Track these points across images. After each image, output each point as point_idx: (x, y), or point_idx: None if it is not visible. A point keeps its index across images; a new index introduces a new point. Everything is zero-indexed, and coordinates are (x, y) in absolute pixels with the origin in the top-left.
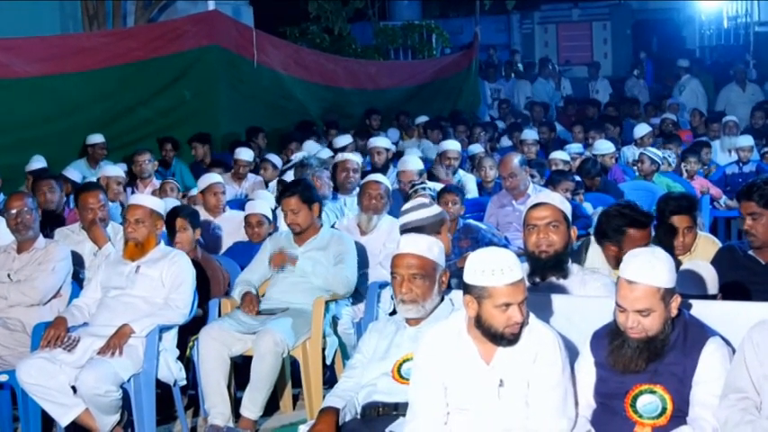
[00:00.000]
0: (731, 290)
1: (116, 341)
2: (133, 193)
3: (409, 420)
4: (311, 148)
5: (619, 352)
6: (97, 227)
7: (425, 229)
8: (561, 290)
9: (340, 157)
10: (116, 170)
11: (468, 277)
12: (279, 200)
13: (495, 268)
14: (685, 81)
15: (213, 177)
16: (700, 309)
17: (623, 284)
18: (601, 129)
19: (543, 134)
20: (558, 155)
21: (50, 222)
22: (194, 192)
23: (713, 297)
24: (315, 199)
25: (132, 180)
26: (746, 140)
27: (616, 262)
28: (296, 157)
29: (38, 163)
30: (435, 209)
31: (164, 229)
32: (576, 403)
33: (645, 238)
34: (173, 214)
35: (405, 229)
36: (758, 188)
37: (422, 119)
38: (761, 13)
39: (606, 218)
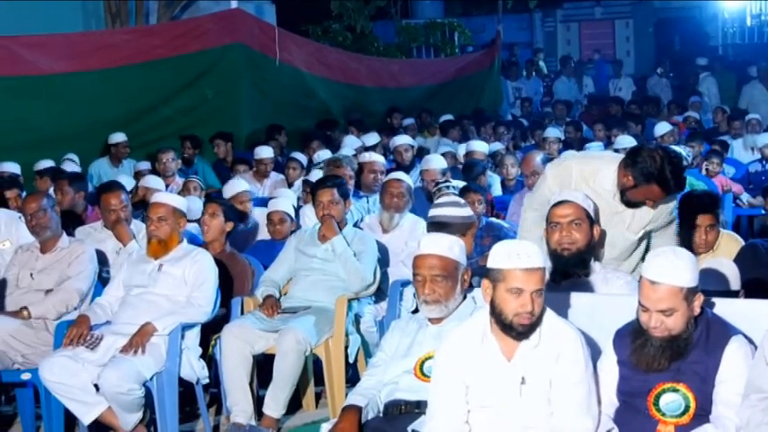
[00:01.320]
0: (754, 287)
1: (138, 339)
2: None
3: (428, 419)
4: (352, 142)
5: (641, 351)
6: (122, 225)
7: (453, 227)
8: (583, 288)
9: (367, 157)
10: (157, 182)
11: (489, 262)
12: (313, 192)
13: (512, 252)
14: (702, 79)
15: (240, 185)
16: (722, 307)
17: (646, 285)
18: (623, 127)
19: (569, 133)
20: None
21: (71, 222)
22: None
23: (735, 293)
24: (348, 196)
25: None
26: (766, 138)
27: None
28: (318, 156)
29: (46, 162)
30: (468, 211)
31: (187, 227)
32: (599, 401)
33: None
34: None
35: (432, 222)
36: None
37: (445, 117)
38: None
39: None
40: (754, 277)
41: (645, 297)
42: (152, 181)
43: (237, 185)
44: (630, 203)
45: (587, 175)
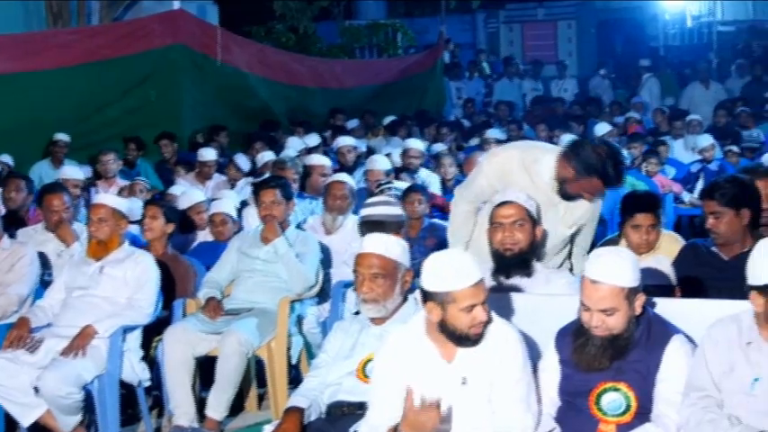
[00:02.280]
0: (694, 287)
1: (79, 342)
2: (96, 192)
3: (366, 419)
4: (295, 144)
5: (583, 350)
6: (65, 225)
7: (385, 226)
8: (525, 288)
9: (315, 160)
10: (75, 172)
11: (429, 284)
12: (256, 193)
13: (455, 272)
14: (645, 80)
15: (196, 196)
16: (663, 306)
17: (587, 284)
18: (565, 127)
19: (512, 131)
20: None
21: (14, 223)
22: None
23: (671, 288)
24: (292, 197)
25: (96, 179)
26: (705, 140)
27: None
28: (261, 156)
29: None
30: (398, 210)
31: (128, 228)
32: (539, 400)
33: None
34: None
35: (363, 222)
36: (719, 187)
37: (389, 119)
38: (724, 13)
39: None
40: (695, 276)
41: (586, 296)
42: (69, 172)
43: (193, 196)
44: (567, 195)
45: (528, 164)
